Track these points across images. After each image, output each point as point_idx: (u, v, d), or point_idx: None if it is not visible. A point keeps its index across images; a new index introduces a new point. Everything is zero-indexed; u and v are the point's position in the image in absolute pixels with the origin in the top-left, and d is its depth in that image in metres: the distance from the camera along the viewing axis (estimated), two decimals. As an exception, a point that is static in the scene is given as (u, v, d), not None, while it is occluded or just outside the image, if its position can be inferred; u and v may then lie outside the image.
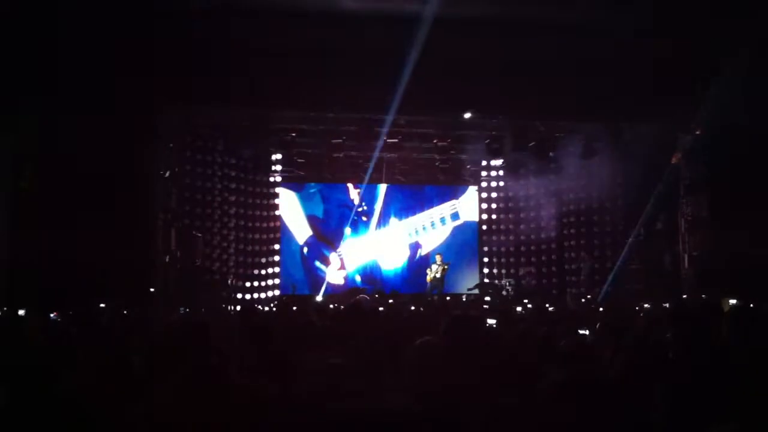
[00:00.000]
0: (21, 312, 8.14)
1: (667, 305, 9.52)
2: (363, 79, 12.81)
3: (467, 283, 18.54)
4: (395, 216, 19.09)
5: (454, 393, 2.63)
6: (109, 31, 11.37)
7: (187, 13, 11.56)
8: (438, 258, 17.61)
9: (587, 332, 4.14)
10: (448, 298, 16.44)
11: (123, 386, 2.88)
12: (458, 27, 12.12)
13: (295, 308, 10.08)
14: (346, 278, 18.65)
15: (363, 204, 18.77)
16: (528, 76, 12.85)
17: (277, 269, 18.04)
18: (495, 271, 19.23)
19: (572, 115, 14.97)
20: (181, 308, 12.14)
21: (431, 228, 19.28)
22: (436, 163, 17.92)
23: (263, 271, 17.79)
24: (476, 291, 17.70)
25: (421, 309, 10.03)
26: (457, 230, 19.36)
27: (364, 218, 18.78)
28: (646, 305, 12.08)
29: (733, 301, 8.03)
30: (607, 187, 17.31)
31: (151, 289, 13.14)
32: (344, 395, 2.70)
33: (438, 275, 17.31)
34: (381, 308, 10.68)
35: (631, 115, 14.68)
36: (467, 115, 15.27)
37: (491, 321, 6.97)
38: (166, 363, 3.47)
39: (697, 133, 15.10)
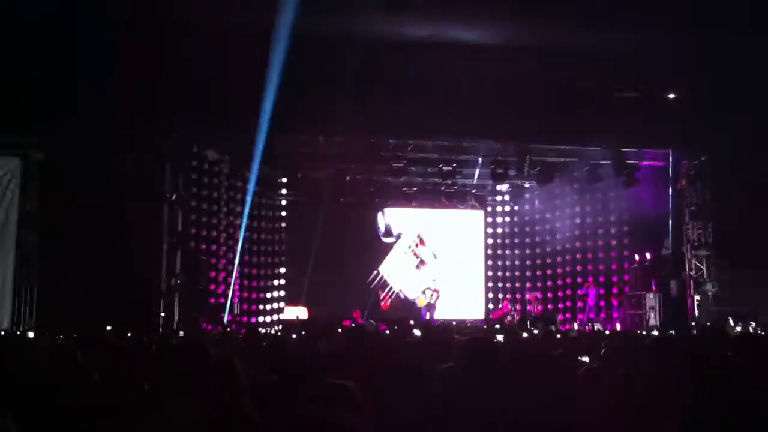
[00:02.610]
0: (30, 334, 8.16)
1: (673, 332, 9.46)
2: (368, 104, 12.90)
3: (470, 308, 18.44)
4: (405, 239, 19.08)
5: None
6: (115, 52, 11.43)
7: (193, 34, 11.66)
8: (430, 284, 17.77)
9: (587, 359, 4.11)
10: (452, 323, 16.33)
11: (124, 406, 2.89)
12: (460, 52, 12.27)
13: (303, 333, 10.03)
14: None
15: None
16: (531, 101, 12.92)
17: (282, 293, 17.96)
18: (500, 296, 19.12)
19: (577, 140, 15.01)
20: (181, 332, 12.11)
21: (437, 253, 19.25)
22: (441, 188, 17.88)
23: (268, 294, 17.74)
24: None
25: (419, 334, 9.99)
26: (462, 255, 19.33)
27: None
28: (654, 333, 11.99)
29: (738, 328, 7.98)
30: (612, 213, 17.27)
31: (162, 314, 13.14)
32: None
33: (432, 300, 17.39)
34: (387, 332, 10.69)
35: (636, 141, 14.70)
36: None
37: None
38: (167, 385, 3.47)
39: (702, 158, 15.09)
